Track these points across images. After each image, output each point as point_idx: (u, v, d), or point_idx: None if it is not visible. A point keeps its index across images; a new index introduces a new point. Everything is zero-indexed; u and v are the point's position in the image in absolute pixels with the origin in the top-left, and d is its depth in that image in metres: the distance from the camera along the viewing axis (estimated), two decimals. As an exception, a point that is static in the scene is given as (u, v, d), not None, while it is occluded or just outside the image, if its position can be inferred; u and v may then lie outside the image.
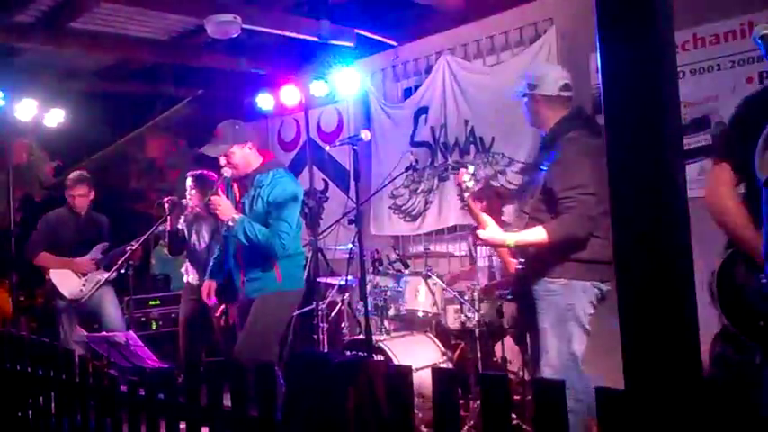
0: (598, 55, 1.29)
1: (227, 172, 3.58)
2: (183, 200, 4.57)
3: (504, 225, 4.51)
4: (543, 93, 3.04)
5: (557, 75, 3.10)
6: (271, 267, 3.54)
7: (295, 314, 4.29)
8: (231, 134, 3.56)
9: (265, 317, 3.52)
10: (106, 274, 4.48)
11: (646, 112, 1.21)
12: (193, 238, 4.73)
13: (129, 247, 4.45)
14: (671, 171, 1.21)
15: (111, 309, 4.82)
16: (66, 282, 4.75)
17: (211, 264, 3.95)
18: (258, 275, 3.57)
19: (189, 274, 4.79)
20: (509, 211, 4.81)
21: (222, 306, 4.43)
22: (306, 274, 4.12)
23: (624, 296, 1.21)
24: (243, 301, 3.67)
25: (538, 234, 2.88)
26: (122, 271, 4.58)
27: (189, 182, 4.58)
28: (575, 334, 2.90)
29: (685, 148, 3.85)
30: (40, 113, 5.61)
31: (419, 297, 4.26)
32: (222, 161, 3.58)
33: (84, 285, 4.68)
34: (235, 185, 3.73)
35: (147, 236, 4.46)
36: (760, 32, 2.02)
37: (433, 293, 4.26)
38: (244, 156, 3.58)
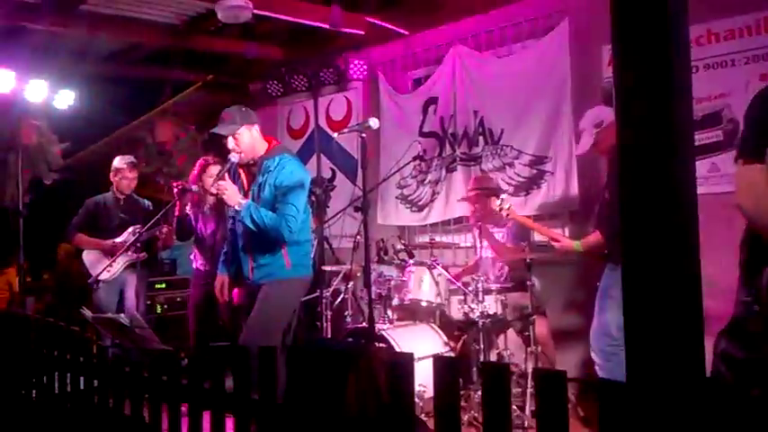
0: (612, 47, 1.28)
1: (234, 157, 3.57)
2: (194, 186, 4.57)
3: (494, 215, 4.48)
4: None
5: None
6: (279, 253, 3.53)
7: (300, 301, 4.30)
8: (239, 116, 3.57)
9: (273, 303, 3.52)
10: (135, 257, 4.81)
11: (658, 107, 1.21)
12: (200, 224, 4.75)
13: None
14: (681, 167, 1.21)
15: (129, 291, 4.88)
16: (98, 262, 4.82)
17: (222, 258, 3.93)
18: (266, 261, 3.56)
19: (197, 260, 4.82)
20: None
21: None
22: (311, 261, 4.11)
23: (630, 291, 1.21)
24: (251, 286, 3.64)
25: None
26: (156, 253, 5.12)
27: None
28: None
29: (696, 143, 3.82)
30: (50, 95, 5.61)
31: (423, 287, 4.26)
32: (230, 144, 3.57)
33: (111, 266, 4.72)
34: (242, 171, 3.72)
35: (156, 218, 4.49)
36: None
37: (437, 284, 4.26)
38: (251, 138, 3.58)
